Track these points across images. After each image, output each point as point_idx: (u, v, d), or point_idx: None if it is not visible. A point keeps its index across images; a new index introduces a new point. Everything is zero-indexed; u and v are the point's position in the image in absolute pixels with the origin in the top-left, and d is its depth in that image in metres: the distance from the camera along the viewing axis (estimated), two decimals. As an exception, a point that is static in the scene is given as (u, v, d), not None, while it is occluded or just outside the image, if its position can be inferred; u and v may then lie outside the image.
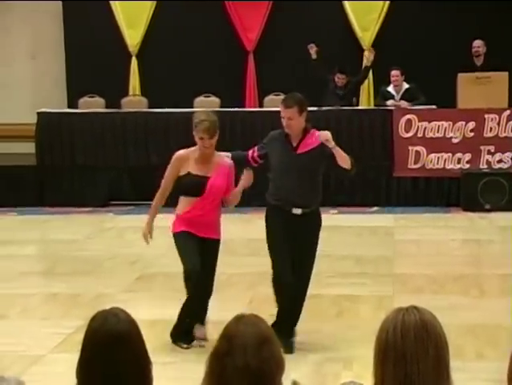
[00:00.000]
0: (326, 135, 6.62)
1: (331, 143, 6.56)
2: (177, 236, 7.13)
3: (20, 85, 16.02)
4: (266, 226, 6.89)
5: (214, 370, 3.31)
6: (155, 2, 15.50)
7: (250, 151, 7.07)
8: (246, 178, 6.87)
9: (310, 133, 6.83)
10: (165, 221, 13.08)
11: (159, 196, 7.35)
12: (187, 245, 6.96)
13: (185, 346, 7.00)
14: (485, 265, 10.04)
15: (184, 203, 7.10)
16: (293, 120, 6.70)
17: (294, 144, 6.80)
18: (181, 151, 7.17)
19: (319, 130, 6.81)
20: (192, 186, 6.94)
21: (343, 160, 6.62)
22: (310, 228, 6.82)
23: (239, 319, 3.41)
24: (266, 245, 6.87)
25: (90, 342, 3.38)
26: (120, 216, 13.34)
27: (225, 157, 7.04)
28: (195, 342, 7.02)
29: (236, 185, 7.02)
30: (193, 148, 7.04)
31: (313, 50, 14.00)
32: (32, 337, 7.47)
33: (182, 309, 7.04)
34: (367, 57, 14.07)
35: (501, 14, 14.61)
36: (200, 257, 6.87)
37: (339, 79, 13.84)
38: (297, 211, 6.74)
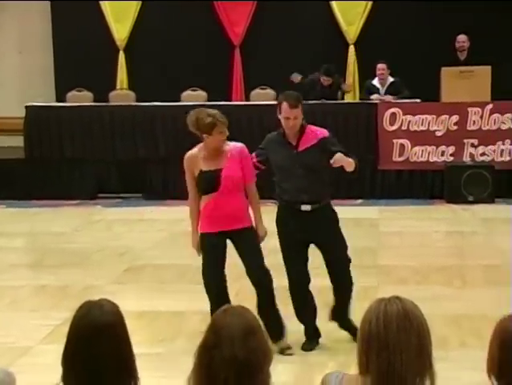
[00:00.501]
0: (338, 160, 6.43)
1: (345, 161, 6.45)
2: (202, 239, 6.70)
3: (9, 79, 15.98)
4: (278, 230, 6.72)
5: (202, 361, 3.32)
6: (142, -3, 15.50)
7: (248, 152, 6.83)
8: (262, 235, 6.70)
9: (307, 129, 6.67)
10: (153, 214, 13.11)
11: (191, 205, 6.83)
12: (208, 256, 6.63)
13: None
14: (468, 256, 10.06)
15: (204, 199, 6.69)
16: (297, 120, 6.53)
17: (294, 143, 6.61)
18: (188, 153, 6.79)
19: (316, 125, 6.74)
20: (207, 183, 6.59)
21: (350, 166, 6.50)
22: (324, 223, 6.66)
23: (226, 311, 3.41)
24: (280, 247, 6.74)
25: (73, 334, 3.39)
26: (108, 208, 13.32)
27: (235, 144, 6.65)
28: None
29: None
30: (199, 146, 6.69)
31: (297, 79, 13.72)
32: (21, 328, 7.45)
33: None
34: (345, 89, 13.91)
35: (484, 9, 14.63)
36: (221, 266, 6.61)
37: (325, 80, 13.69)
38: (306, 207, 6.57)
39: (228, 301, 6.55)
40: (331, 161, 6.39)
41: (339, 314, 6.86)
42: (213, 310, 6.46)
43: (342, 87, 13.71)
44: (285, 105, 6.50)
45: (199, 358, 3.34)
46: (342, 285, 6.90)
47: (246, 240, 6.61)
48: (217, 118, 6.46)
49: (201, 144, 6.66)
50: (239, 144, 6.64)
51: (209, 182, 6.54)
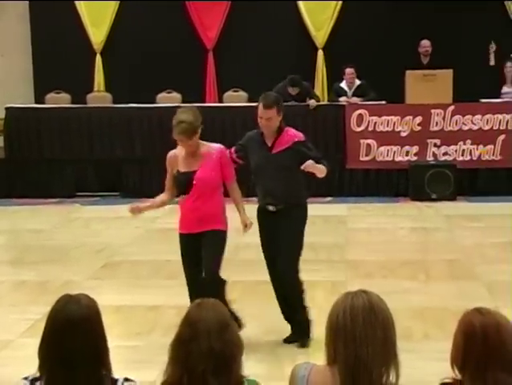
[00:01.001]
0: (308, 166, 6.36)
1: (316, 169, 6.40)
2: (179, 239, 6.59)
3: (-11, 81, 15.86)
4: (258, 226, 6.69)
5: (179, 355, 3.32)
6: (118, 2, 15.43)
7: (228, 153, 6.64)
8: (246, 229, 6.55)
9: (284, 132, 6.57)
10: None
11: (162, 195, 6.72)
12: (184, 257, 6.53)
13: None
14: (431, 252, 10.12)
15: (181, 202, 6.59)
16: (272, 121, 6.43)
17: (269, 144, 6.52)
18: (171, 152, 6.56)
19: (295, 128, 6.68)
20: (180, 184, 6.50)
21: (321, 173, 6.46)
22: (287, 221, 6.50)
23: (200, 305, 3.42)
24: None
25: (49, 326, 3.39)
26: (86, 206, 13.28)
27: (214, 145, 6.50)
28: None
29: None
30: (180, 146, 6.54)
31: None
32: (1, 323, 7.42)
33: None
34: (311, 105, 13.76)
35: (446, 15, 14.70)
36: (198, 265, 6.43)
37: (292, 90, 13.46)
38: (271, 208, 6.52)
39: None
40: (302, 167, 6.35)
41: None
42: None
43: (309, 102, 13.57)
44: (260, 105, 6.45)
45: (175, 352, 3.34)
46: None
47: (209, 241, 6.42)
48: (177, 125, 6.25)
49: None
50: (217, 146, 6.51)
51: (182, 184, 6.45)
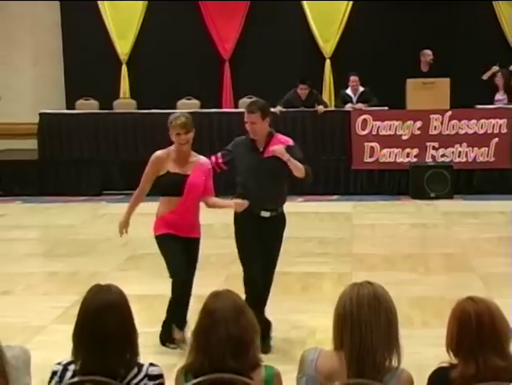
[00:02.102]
0: (279, 150, 6.10)
1: (285, 157, 6.07)
2: (160, 238, 6.40)
3: (25, 89, 15.91)
4: (236, 229, 6.33)
5: (200, 342, 3.33)
6: (143, 16, 15.47)
7: (213, 158, 6.42)
8: (239, 205, 6.12)
9: (274, 137, 6.28)
10: (152, 208, 13.06)
11: (136, 195, 6.65)
12: (171, 248, 6.25)
13: (173, 346, 6.24)
14: (430, 246, 10.09)
15: (164, 204, 6.42)
16: (256, 125, 6.14)
17: (261, 149, 6.23)
18: (159, 152, 6.45)
19: (284, 134, 6.43)
20: (171, 184, 6.24)
21: (297, 170, 6.12)
22: (277, 230, 6.32)
23: (216, 296, 3.43)
24: (236, 246, 6.36)
25: (84, 309, 3.40)
26: (112, 204, 13.28)
27: (203, 158, 6.30)
28: (172, 346, 6.25)
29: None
30: (170, 148, 6.36)
31: (279, 111, 13.22)
32: (35, 310, 7.45)
33: (168, 312, 6.41)
34: (319, 111, 13.71)
35: (444, 27, 14.68)
36: (184, 257, 6.24)
37: (302, 89, 13.55)
38: (265, 214, 6.19)
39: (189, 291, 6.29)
40: (271, 149, 6.12)
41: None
42: (173, 298, 6.28)
43: (317, 108, 13.57)
44: (245, 110, 6.28)
45: (196, 340, 3.35)
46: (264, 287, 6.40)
47: (193, 252, 6.31)
48: (175, 118, 6.12)
49: (171, 147, 6.38)
50: (204, 159, 6.28)
51: (175, 184, 6.18)
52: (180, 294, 6.16)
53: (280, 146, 6.15)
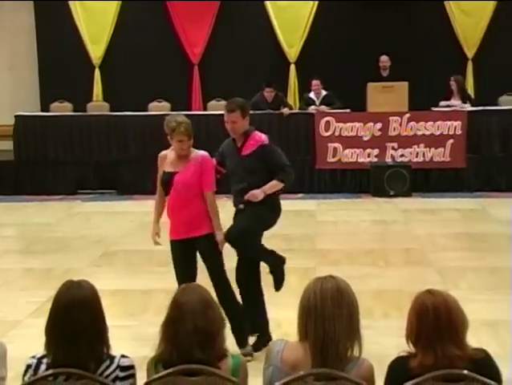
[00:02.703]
0: (251, 197, 5.90)
1: (259, 197, 5.88)
2: (170, 245, 5.97)
3: (0, 92, 15.77)
4: None
5: (168, 334, 3.32)
6: (115, 22, 15.40)
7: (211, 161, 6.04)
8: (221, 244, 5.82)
9: (251, 135, 6.04)
10: (125, 207, 13.04)
11: (156, 200, 6.12)
12: (174, 259, 5.90)
13: None
14: (389, 241, 10.13)
15: (167, 202, 6.02)
16: (237, 124, 5.96)
17: (239, 146, 6.05)
18: (163, 151, 6.01)
19: (261, 132, 6.18)
20: (162, 183, 5.91)
21: (275, 189, 5.97)
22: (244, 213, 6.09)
23: (184, 289, 3.43)
24: None
25: (55, 307, 3.39)
26: (86, 202, 13.22)
27: (200, 151, 5.88)
28: None
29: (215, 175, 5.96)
30: (171, 148, 5.95)
31: None
32: (11, 305, 7.38)
33: None
34: (285, 113, 13.70)
35: (402, 34, 14.79)
36: (188, 267, 5.83)
37: (268, 92, 13.54)
38: (241, 206, 6.03)
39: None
40: (245, 197, 5.91)
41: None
42: None
43: (283, 111, 13.60)
44: (224, 110, 6.12)
45: (165, 332, 3.35)
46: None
47: (201, 249, 5.86)
48: (178, 125, 5.75)
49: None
50: (201, 153, 5.87)
51: (164, 183, 5.88)
52: None
53: (252, 193, 5.90)
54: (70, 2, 15.37)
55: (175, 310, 3.33)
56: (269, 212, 6.10)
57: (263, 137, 6.08)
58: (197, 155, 5.85)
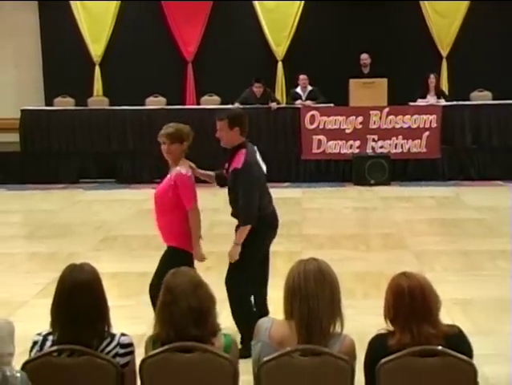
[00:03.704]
0: (231, 257, 5.43)
1: (235, 258, 5.39)
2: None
3: (7, 88, 15.71)
4: None
5: (164, 316, 3.33)
6: (114, 21, 15.34)
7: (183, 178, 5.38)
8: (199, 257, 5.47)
9: (237, 154, 5.40)
10: (123, 195, 13.01)
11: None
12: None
13: None
14: (370, 227, 10.16)
15: None
16: (222, 132, 5.39)
17: (227, 163, 5.53)
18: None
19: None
20: None
21: (245, 233, 5.37)
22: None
23: (174, 273, 3.44)
24: None
25: (59, 289, 3.39)
26: (88, 191, 13.19)
27: (179, 167, 5.36)
28: None
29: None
30: None
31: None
32: (18, 286, 7.38)
33: None
34: (273, 108, 13.65)
35: (382, 34, 14.77)
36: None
37: (257, 88, 13.49)
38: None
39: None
40: (239, 156, 5.37)
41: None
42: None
43: (271, 105, 13.57)
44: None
45: (161, 314, 3.36)
46: None
47: (162, 258, 5.62)
48: (164, 127, 5.45)
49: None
50: (178, 169, 5.35)
51: None
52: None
53: (229, 254, 5.42)
54: (72, 4, 15.29)
55: (168, 294, 3.34)
56: (254, 238, 5.40)
57: (242, 160, 5.34)
58: (175, 170, 5.36)
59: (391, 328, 3.36)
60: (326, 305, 3.28)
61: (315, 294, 3.26)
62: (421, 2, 14.94)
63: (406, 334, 3.26)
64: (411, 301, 3.27)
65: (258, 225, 5.42)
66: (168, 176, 5.44)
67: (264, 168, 5.63)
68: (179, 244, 5.43)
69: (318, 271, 3.31)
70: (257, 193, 5.41)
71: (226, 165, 5.58)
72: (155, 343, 3.34)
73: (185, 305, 3.27)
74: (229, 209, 5.65)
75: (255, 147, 5.67)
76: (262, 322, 3.47)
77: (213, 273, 6.53)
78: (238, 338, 3.49)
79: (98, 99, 14.98)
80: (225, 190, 5.63)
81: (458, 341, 3.33)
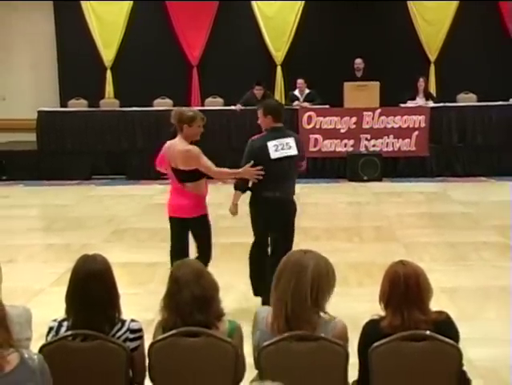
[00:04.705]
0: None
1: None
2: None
3: (24, 89, 15.71)
4: None
5: (171, 305, 3.34)
6: (124, 29, 15.32)
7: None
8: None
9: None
10: (133, 191, 13.01)
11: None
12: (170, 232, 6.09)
13: None
14: (363, 220, 10.17)
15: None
16: (258, 120, 6.28)
17: None
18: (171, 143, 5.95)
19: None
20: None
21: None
22: None
23: (179, 265, 3.46)
24: None
25: (73, 278, 3.39)
26: (100, 186, 13.19)
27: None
28: None
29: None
30: (178, 138, 5.90)
31: (239, 108, 13.32)
32: (35, 275, 7.39)
33: None
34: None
35: (374, 39, 14.75)
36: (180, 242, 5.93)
37: (257, 90, 13.49)
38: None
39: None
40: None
41: None
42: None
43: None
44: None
45: (167, 304, 3.37)
46: None
47: (197, 231, 6.04)
48: (197, 113, 5.91)
49: (180, 136, 5.89)
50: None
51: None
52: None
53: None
54: (85, 12, 15.26)
55: (173, 284, 3.35)
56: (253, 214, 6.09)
57: (254, 137, 6.17)
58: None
59: (383, 314, 3.36)
60: (302, 299, 3.23)
61: (302, 288, 3.23)
62: (411, 12, 14.92)
63: (397, 317, 3.27)
64: (405, 288, 3.27)
65: (254, 205, 6.03)
66: None
67: (277, 154, 6.13)
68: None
69: (299, 265, 3.26)
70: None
71: None
72: (164, 329, 3.35)
73: (189, 294, 3.28)
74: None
75: (289, 133, 6.57)
76: (260, 312, 3.46)
77: (218, 263, 6.56)
78: (243, 323, 3.48)
79: (109, 101, 14.97)
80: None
81: (446, 327, 3.33)
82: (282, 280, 3.25)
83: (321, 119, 13.44)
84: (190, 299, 3.28)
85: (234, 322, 3.43)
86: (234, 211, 6.07)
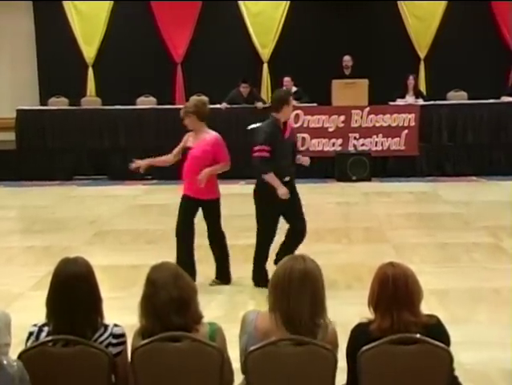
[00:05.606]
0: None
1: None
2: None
3: (3, 88, 15.62)
4: None
5: (148, 308, 3.34)
6: (106, 25, 15.27)
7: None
8: None
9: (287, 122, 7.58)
10: (116, 191, 12.96)
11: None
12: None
13: None
14: (352, 221, 10.17)
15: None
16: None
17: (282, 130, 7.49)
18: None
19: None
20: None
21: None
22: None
23: (156, 267, 3.45)
24: None
25: (54, 282, 3.37)
26: (81, 187, 13.14)
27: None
28: None
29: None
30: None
31: (224, 107, 13.35)
32: (14, 279, 7.33)
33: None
34: (259, 106, 13.64)
35: (363, 36, 14.79)
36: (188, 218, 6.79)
37: (244, 88, 13.50)
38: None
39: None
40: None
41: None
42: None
43: (257, 104, 13.56)
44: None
45: (144, 306, 3.37)
46: None
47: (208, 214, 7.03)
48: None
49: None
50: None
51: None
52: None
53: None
54: (65, 8, 15.21)
55: (150, 287, 3.35)
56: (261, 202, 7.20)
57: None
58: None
59: (372, 317, 3.37)
60: (306, 306, 3.26)
61: (296, 295, 3.25)
62: (400, 7, 14.98)
63: (387, 320, 3.27)
64: (394, 289, 3.28)
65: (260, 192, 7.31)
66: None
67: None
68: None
69: (303, 273, 3.29)
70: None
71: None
72: (144, 335, 3.33)
73: (167, 296, 3.28)
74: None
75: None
76: (248, 315, 3.46)
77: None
78: (225, 326, 3.47)
79: (91, 99, 14.91)
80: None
81: (437, 331, 3.33)
82: (278, 290, 3.26)
83: (308, 117, 13.45)
84: (167, 301, 3.27)
85: (215, 324, 3.43)
86: (286, 191, 6.92)
